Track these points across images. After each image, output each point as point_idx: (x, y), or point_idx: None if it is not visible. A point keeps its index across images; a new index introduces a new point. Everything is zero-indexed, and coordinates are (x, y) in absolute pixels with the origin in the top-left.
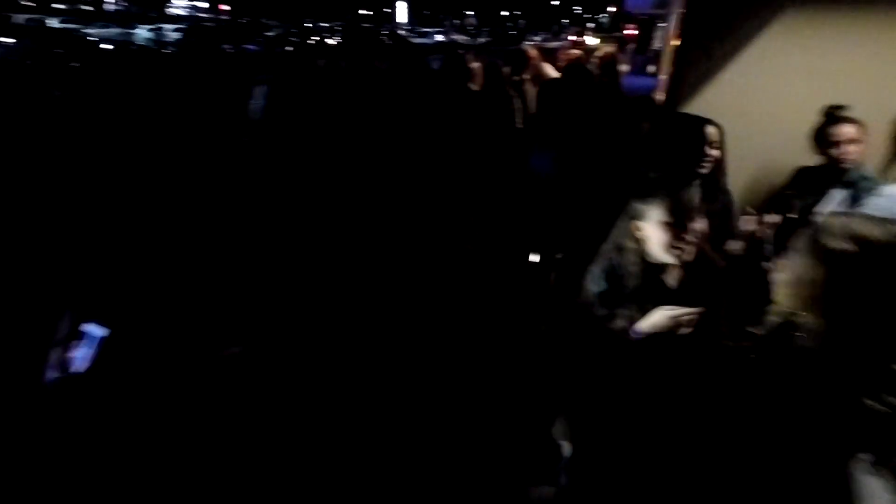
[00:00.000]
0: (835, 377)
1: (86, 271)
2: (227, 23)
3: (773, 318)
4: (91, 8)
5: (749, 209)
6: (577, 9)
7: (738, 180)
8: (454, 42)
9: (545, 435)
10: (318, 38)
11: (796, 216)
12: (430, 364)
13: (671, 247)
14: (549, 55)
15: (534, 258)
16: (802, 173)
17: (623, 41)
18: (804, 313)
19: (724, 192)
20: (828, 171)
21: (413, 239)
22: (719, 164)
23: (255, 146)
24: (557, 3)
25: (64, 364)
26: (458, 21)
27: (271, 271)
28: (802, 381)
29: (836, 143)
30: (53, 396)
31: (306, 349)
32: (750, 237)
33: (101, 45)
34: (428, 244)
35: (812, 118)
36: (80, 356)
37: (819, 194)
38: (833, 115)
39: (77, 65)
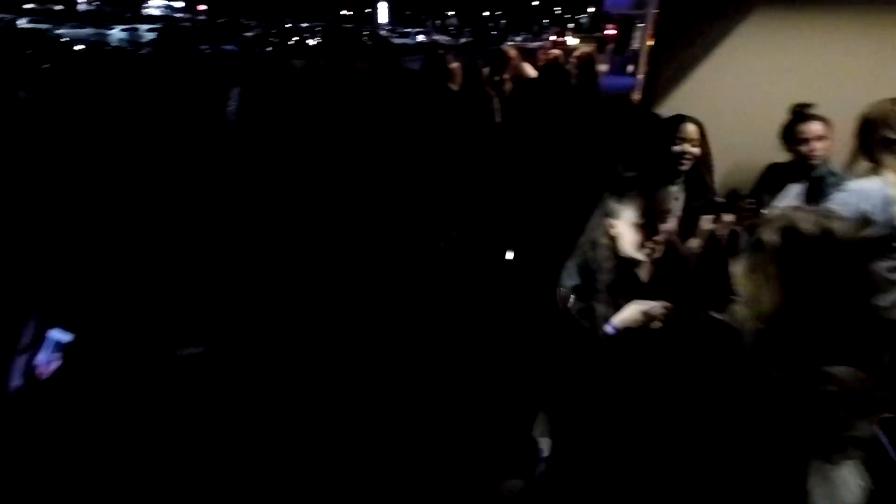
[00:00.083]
0: (780, 369)
1: (52, 276)
2: (204, 23)
3: (735, 308)
4: (62, 7)
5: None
6: (558, 9)
7: None
8: (435, 42)
9: (521, 430)
10: (298, 39)
11: (766, 211)
12: (408, 357)
13: (642, 246)
14: (530, 55)
15: (509, 255)
16: (772, 169)
17: (603, 41)
18: (756, 304)
19: (710, 189)
20: (796, 168)
21: (391, 237)
22: (703, 161)
23: (234, 148)
24: (538, 3)
25: (29, 370)
26: (440, 21)
27: (248, 271)
28: (753, 372)
29: (805, 140)
30: (19, 403)
31: (277, 343)
32: (709, 235)
33: (74, 46)
34: (406, 242)
35: (781, 116)
36: (45, 362)
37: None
38: (801, 113)
39: (48, 66)
